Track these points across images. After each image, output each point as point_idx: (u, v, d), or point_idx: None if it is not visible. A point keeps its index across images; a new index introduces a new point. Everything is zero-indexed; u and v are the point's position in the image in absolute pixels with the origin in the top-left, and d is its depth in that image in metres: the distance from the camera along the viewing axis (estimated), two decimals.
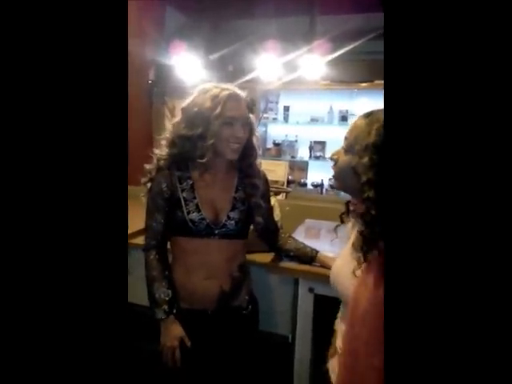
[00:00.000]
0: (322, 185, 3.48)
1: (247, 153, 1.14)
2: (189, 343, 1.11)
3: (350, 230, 0.96)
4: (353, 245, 0.91)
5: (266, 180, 1.23)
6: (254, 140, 1.16)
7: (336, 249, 1.27)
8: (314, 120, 3.55)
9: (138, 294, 1.12)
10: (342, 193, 3.37)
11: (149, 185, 1.16)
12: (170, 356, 1.10)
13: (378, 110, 0.83)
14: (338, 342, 0.89)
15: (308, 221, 2.04)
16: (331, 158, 0.90)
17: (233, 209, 1.13)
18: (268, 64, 3.17)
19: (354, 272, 0.80)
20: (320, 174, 3.49)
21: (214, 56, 3.54)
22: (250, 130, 1.13)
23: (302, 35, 3.52)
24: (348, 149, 0.84)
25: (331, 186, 3.48)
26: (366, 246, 0.78)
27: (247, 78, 3.15)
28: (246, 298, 1.17)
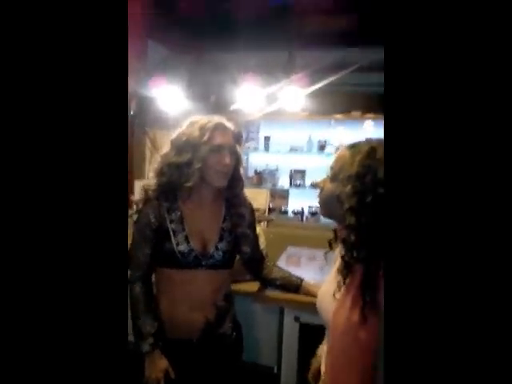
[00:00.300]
0: (302, 212, 3.53)
1: (234, 183, 1.16)
2: (173, 375, 1.09)
3: (336, 256, 1.00)
4: (337, 270, 0.95)
5: (251, 210, 1.25)
6: (241, 170, 1.19)
7: (317, 276, 1.30)
8: (293, 149, 3.63)
9: None
10: (322, 220, 3.45)
11: (135, 217, 1.16)
12: None
13: (361, 142, 0.89)
14: (322, 366, 0.91)
15: (290, 248, 2.07)
16: (317, 186, 0.95)
17: (220, 240, 1.14)
18: (249, 95, 3.27)
19: (334, 295, 0.83)
20: (300, 201, 3.55)
21: (196, 88, 3.62)
22: (236, 159, 1.16)
23: (281, 68, 3.66)
24: (333, 178, 0.88)
25: (311, 214, 3.54)
26: (345, 269, 0.81)
27: (229, 109, 3.24)
28: (230, 325, 1.17)
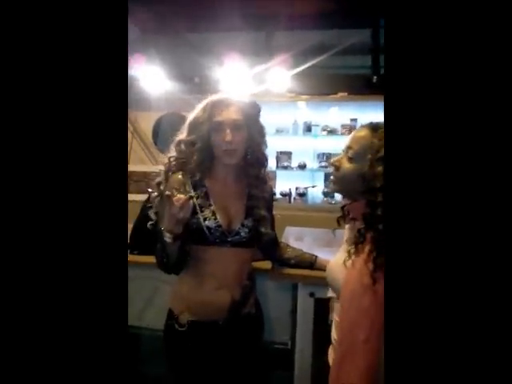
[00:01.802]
0: (290, 194, 3.55)
1: (252, 161, 1.15)
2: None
3: (346, 231, 1.03)
4: (346, 241, 0.98)
5: (271, 191, 1.26)
6: (259, 148, 1.16)
7: (320, 253, 1.32)
8: (279, 131, 3.62)
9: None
10: (310, 201, 3.53)
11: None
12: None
13: (382, 124, 0.93)
14: (333, 332, 0.97)
15: (289, 228, 2.10)
16: (332, 164, 0.96)
17: (246, 217, 1.14)
18: (233, 76, 3.21)
19: (344, 262, 0.90)
20: (287, 183, 3.56)
21: (178, 69, 3.53)
22: (248, 134, 1.13)
23: (264, 50, 3.62)
24: (354, 157, 0.91)
25: (299, 195, 3.57)
26: (360, 239, 0.87)
27: (213, 90, 3.17)
28: (253, 304, 1.18)
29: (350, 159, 0.92)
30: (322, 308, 1.24)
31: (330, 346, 1.03)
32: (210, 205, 1.11)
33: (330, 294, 1.07)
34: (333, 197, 3.54)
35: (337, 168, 0.95)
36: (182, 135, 1.16)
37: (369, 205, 0.86)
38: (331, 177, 0.99)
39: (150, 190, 1.17)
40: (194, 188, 1.12)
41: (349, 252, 0.90)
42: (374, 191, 0.85)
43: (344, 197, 1.02)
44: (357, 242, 0.88)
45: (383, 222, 0.82)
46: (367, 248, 0.85)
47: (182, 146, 1.15)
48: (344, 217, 1.03)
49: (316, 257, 1.28)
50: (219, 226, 1.09)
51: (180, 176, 1.13)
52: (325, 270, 1.17)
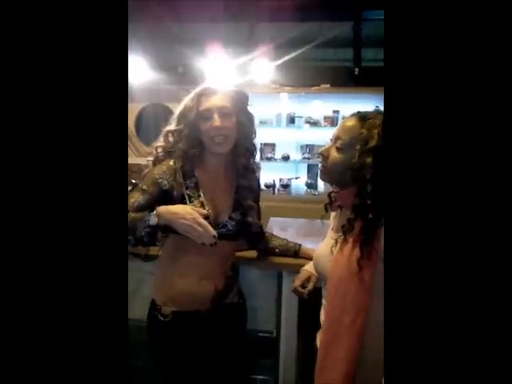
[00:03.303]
0: (273, 185, 3.57)
1: (240, 151, 1.14)
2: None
3: (332, 219, 1.05)
4: (332, 229, 1.01)
5: (258, 182, 1.27)
6: (248, 137, 1.16)
7: (303, 243, 1.34)
8: (262, 122, 3.63)
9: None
10: (293, 192, 3.57)
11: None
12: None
13: (370, 114, 0.94)
14: (322, 316, 0.99)
15: (273, 218, 2.12)
16: (321, 154, 0.97)
17: (234, 210, 1.14)
18: (217, 67, 3.19)
19: (331, 249, 0.92)
20: (271, 174, 3.58)
21: (161, 58, 3.48)
22: (237, 122, 1.11)
23: (247, 41, 3.60)
24: (343, 147, 0.91)
25: (283, 186, 3.59)
26: (349, 227, 0.89)
27: (197, 81, 3.14)
28: (236, 294, 1.19)
29: (339, 149, 0.92)
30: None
31: (319, 331, 1.05)
32: (199, 196, 1.11)
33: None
34: (316, 188, 3.59)
35: (325, 158, 0.96)
36: (171, 126, 1.15)
37: (358, 194, 0.88)
38: (319, 166, 0.99)
39: (133, 181, 1.16)
40: (184, 177, 1.11)
41: (336, 240, 0.92)
42: (364, 181, 0.86)
43: (332, 185, 1.02)
44: (345, 230, 0.90)
45: (372, 211, 0.84)
46: (355, 236, 0.87)
47: (170, 137, 1.15)
48: (331, 204, 1.05)
49: (300, 245, 1.30)
50: (206, 217, 1.08)
51: (171, 163, 1.12)
52: (309, 259, 1.19)
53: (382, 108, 0.82)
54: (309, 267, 1.16)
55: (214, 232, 0.99)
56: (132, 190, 1.11)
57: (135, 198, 1.08)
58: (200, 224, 0.98)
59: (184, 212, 1.00)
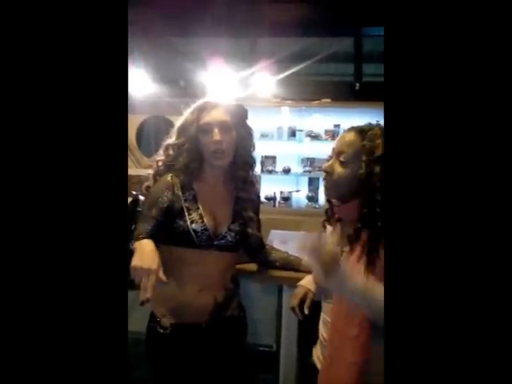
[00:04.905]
0: (274, 198, 3.58)
1: (240, 164, 1.15)
2: (163, 278, 0.95)
3: (330, 235, 1.05)
4: (339, 240, 1.01)
5: (258, 194, 1.27)
6: (247, 150, 1.17)
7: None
8: (264, 135, 3.64)
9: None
10: (294, 205, 3.57)
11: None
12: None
13: (367, 127, 0.95)
14: (321, 330, 1.00)
15: (273, 231, 2.11)
16: (325, 171, 0.98)
17: (233, 221, 1.14)
18: (218, 81, 3.23)
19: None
20: (272, 187, 3.59)
21: (163, 72, 3.51)
22: (237, 136, 1.12)
23: (248, 55, 3.65)
24: (347, 161, 0.93)
25: (283, 199, 3.60)
26: (355, 237, 0.90)
27: (199, 94, 3.17)
28: (237, 307, 1.18)
29: (343, 163, 0.93)
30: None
31: (315, 346, 1.04)
32: (198, 208, 1.11)
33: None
34: (317, 201, 3.58)
35: (330, 174, 0.96)
36: (171, 139, 1.16)
37: (366, 204, 0.89)
38: (324, 183, 1.00)
39: (134, 192, 1.16)
40: (183, 190, 1.12)
41: (341, 251, 0.92)
42: (372, 191, 0.88)
43: (332, 200, 1.03)
44: (352, 241, 0.91)
45: (381, 219, 0.85)
46: (360, 246, 0.88)
47: (170, 150, 1.16)
48: (328, 219, 1.05)
49: (301, 259, 1.29)
50: (206, 229, 1.09)
51: (169, 178, 1.13)
52: (309, 272, 1.18)
53: (382, 122, 0.84)
54: (304, 282, 1.15)
55: (148, 295, 0.91)
56: (138, 221, 1.09)
57: (144, 226, 1.05)
58: (148, 280, 0.91)
59: (149, 261, 0.93)
